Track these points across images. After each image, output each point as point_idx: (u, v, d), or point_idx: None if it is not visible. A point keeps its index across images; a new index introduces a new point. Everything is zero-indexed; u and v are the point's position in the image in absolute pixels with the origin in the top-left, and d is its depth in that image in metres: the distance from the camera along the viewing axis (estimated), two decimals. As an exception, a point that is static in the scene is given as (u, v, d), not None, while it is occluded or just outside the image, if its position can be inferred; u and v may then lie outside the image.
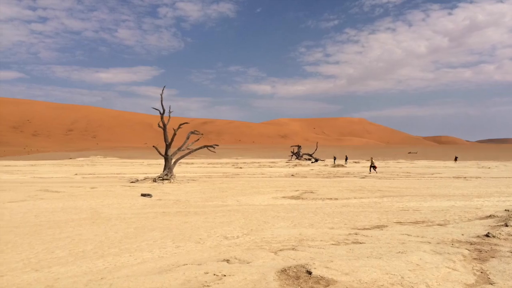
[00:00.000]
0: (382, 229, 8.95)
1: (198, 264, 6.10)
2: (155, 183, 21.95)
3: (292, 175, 29.92)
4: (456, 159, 52.98)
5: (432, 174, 29.20)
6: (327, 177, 26.88)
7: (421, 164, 45.99)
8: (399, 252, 6.64)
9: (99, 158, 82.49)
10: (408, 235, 8.17)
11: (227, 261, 6.31)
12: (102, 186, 20.47)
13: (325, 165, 45.58)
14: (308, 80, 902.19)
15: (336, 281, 5.25)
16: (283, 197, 15.54)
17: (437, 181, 22.80)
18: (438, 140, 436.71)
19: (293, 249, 7.12)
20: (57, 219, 10.31)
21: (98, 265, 6.12)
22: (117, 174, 32.18)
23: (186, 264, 6.12)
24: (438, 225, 9.39)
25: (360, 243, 7.57)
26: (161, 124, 26.07)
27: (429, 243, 7.37)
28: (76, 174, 32.32)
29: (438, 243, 7.38)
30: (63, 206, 12.76)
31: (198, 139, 26.87)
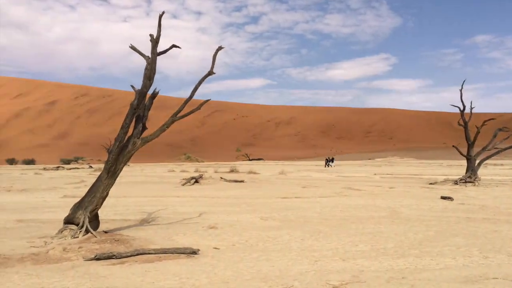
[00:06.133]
0: None
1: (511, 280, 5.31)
2: (456, 186, 20.58)
3: None
4: None
5: None
6: None
7: None
8: None
9: (396, 158, 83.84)
10: None
11: (554, 283, 5.20)
12: (400, 186, 20.70)
13: None
14: None
15: None
16: None
17: None
18: None
19: None
20: (359, 215, 11.15)
21: (399, 264, 6.26)
22: (414, 175, 31.83)
23: (497, 278, 5.43)
24: None
25: None
26: (461, 122, 24.33)
27: None
28: (375, 174, 33.98)
29: None
30: (364, 204, 13.67)
31: (508, 137, 23.44)
